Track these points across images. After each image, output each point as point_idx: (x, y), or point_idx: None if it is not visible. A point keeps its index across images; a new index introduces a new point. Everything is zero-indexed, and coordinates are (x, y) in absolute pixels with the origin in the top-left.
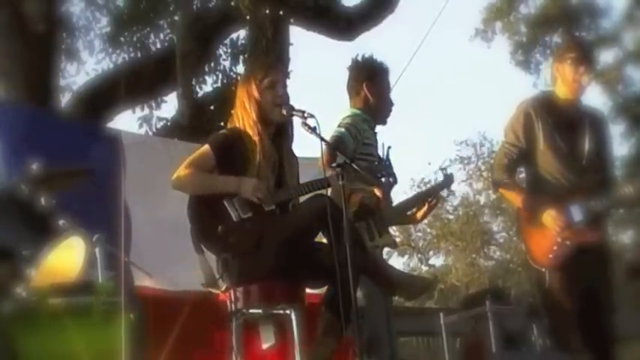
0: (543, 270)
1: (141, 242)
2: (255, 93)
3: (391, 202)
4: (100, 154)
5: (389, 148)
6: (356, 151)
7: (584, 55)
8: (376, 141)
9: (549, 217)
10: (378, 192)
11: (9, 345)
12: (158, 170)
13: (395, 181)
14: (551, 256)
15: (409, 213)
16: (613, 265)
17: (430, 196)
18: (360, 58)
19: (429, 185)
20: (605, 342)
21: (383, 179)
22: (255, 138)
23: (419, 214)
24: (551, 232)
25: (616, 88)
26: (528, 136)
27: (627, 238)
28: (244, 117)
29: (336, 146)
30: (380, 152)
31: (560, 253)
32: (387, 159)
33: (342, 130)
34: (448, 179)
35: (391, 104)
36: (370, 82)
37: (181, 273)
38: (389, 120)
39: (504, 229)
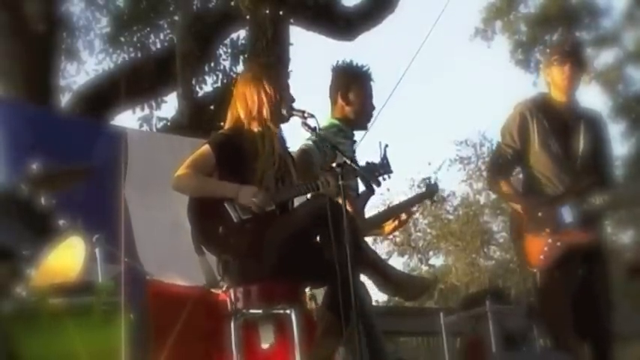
0: (535, 271)
1: (148, 238)
2: (277, 91)
3: (363, 213)
4: (103, 151)
5: (386, 146)
6: (325, 164)
7: (568, 53)
8: (353, 151)
9: (540, 218)
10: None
11: (9, 345)
12: (164, 166)
13: (372, 192)
14: (541, 257)
15: (384, 224)
16: (608, 264)
17: (404, 209)
18: (336, 66)
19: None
20: (603, 341)
21: (380, 178)
22: (274, 129)
23: (387, 229)
24: (542, 234)
25: (616, 88)
26: (523, 138)
27: (627, 238)
28: (266, 106)
29: (301, 159)
30: (378, 151)
31: (551, 254)
32: (385, 157)
33: (310, 143)
34: (431, 189)
35: (372, 109)
36: (345, 91)
37: (189, 268)
38: (388, 119)
39: (504, 229)
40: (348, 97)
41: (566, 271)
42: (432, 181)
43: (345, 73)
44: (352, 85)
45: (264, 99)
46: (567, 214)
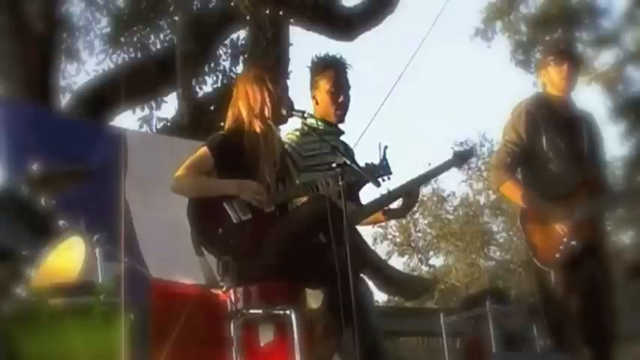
0: (549, 270)
1: (150, 238)
2: (279, 91)
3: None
4: (103, 152)
5: (385, 147)
6: (298, 165)
7: (564, 53)
8: (336, 145)
9: (556, 216)
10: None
11: (9, 345)
12: (163, 168)
13: (364, 182)
14: (557, 255)
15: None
16: (612, 263)
17: (421, 185)
18: (310, 63)
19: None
20: (606, 341)
21: (379, 179)
22: (270, 131)
23: (397, 212)
24: (556, 232)
25: (616, 88)
26: (531, 135)
27: (627, 238)
28: (268, 105)
29: None
30: (378, 152)
31: (567, 252)
32: (384, 158)
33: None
34: (460, 155)
35: (340, 100)
36: (314, 87)
37: (191, 267)
38: (388, 119)
39: (504, 229)
40: (316, 97)
41: (579, 269)
42: (464, 147)
43: (312, 70)
44: (318, 82)
45: (267, 98)
46: (580, 212)
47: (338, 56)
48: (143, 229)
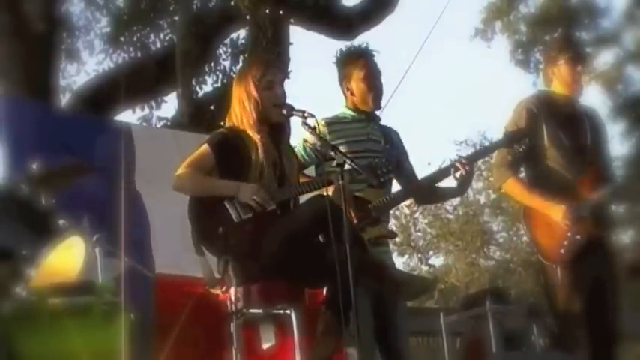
0: (554, 266)
1: (162, 231)
2: (254, 92)
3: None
4: (107, 148)
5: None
6: (326, 156)
7: (579, 54)
8: (368, 133)
9: (559, 212)
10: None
11: (9, 345)
12: (172, 161)
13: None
14: (562, 251)
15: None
16: (617, 259)
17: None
18: (335, 58)
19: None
20: (610, 339)
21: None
22: (255, 138)
23: (454, 191)
24: (560, 228)
25: (616, 88)
26: (532, 133)
27: (627, 238)
28: (243, 116)
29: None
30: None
31: (571, 248)
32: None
33: (297, 146)
34: (514, 135)
35: (377, 88)
36: (347, 81)
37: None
38: (389, 119)
39: (504, 228)
40: (350, 86)
41: (584, 265)
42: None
43: (342, 63)
44: (351, 72)
45: (245, 103)
46: (584, 208)
47: (364, 46)
48: (155, 222)
